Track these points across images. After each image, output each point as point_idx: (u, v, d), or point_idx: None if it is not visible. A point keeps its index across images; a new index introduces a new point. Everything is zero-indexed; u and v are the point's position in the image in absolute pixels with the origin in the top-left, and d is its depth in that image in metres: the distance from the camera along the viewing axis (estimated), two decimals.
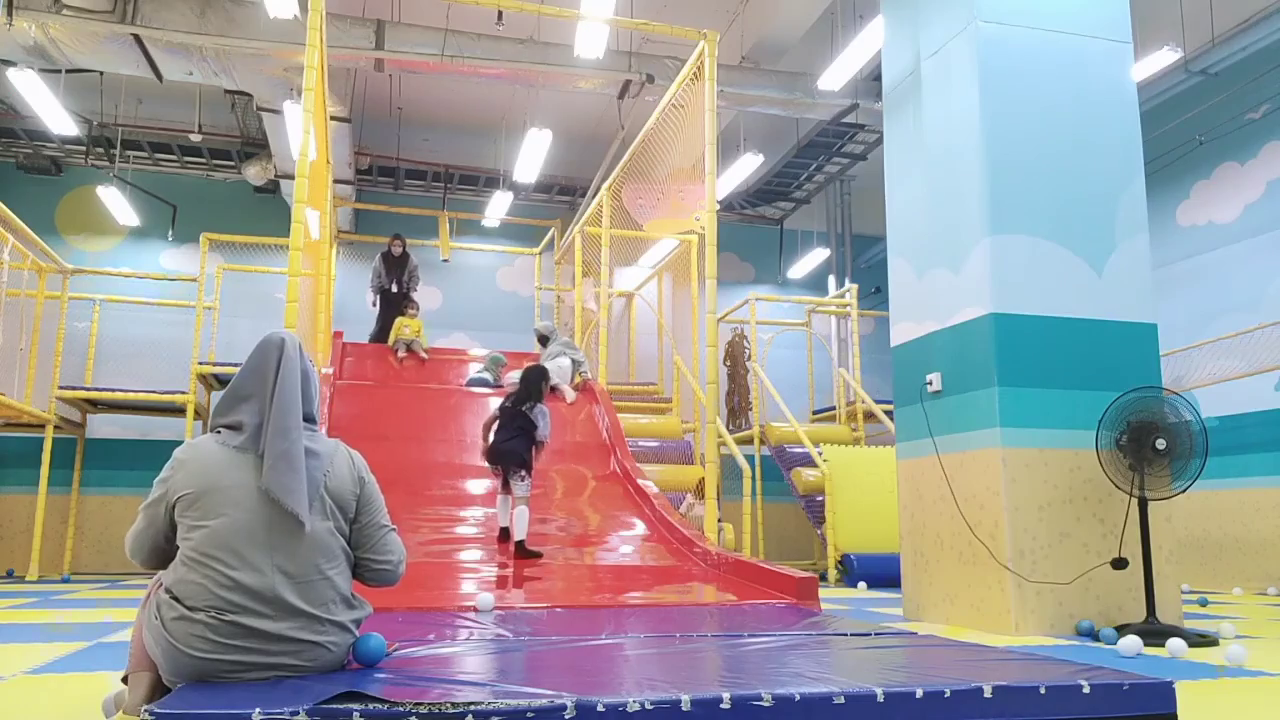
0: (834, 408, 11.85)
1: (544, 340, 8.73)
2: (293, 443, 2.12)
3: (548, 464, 6.47)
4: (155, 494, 2.15)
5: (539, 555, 5.21)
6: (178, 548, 2.12)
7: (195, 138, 11.63)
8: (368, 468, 2.32)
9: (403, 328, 9.71)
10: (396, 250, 10.53)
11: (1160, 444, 4.34)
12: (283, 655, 2.04)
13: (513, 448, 5.46)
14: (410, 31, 8.63)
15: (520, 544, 5.24)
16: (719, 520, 5.76)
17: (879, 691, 1.92)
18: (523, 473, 5.41)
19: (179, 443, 2.28)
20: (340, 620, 2.14)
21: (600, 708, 1.78)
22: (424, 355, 9.65)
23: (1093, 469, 4.60)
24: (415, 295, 10.33)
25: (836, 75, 8.91)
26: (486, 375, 8.70)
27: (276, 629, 2.03)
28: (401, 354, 9.54)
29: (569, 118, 11.73)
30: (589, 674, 2.34)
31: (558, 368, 7.79)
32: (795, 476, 9.72)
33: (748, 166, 11.22)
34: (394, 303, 10.22)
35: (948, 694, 1.95)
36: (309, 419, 2.24)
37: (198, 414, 10.04)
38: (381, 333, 10.16)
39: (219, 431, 2.23)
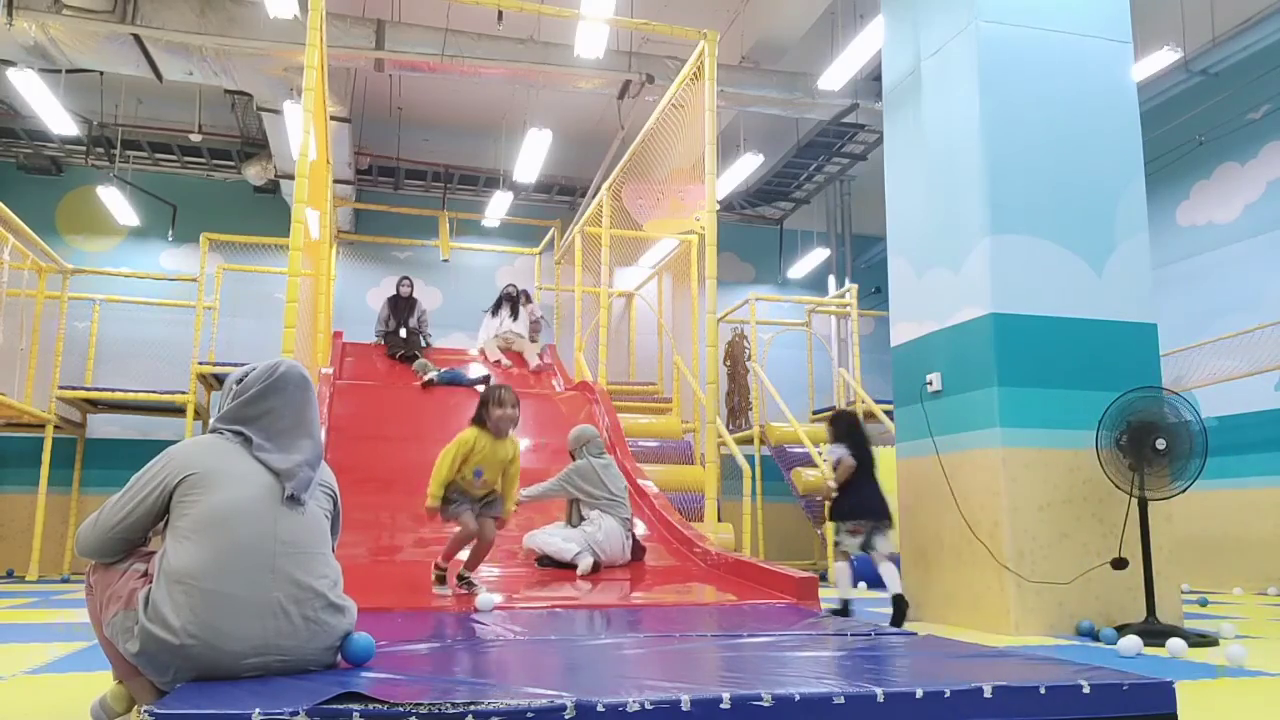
0: (834, 407, 11.84)
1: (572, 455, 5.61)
2: (303, 454, 2.29)
3: (549, 463, 6.47)
4: (151, 481, 2.16)
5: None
6: (144, 538, 2.22)
7: (195, 138, 11.63)
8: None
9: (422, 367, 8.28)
10: (405, 290, 10.35)
11: (1160, 444, 4.34)
12: (278, 636, 2.04)
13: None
14: (410, 31, 8.63)
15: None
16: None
17: (879, 691, 1.92)
18: None
19: (178, 442, 2.31)
20: (334, 601, 2.16)
21: (600, 708, 1.78)
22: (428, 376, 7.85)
23: (1092, 469, 4.59)
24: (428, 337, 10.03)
25: (836, 75, 8.91)
26: (434, 374, 8.06)
27: (272, 600, 2.04)
28: (428, 375, 7.88)
29: (569, 118, 11.73)
30: (589, 674, 2.34)
31: (609, 533, 5.13)
32: (795, 476, 9.72)
33: (748, 166, 11.22)
34: (402, 344, 9.80)
35: (948, 694, 1.95)
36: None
37: (198, 414, 10.04)
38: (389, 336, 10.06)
39: (220, 433, 2.29)
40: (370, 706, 1.73)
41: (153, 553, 2.19)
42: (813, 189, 13.38)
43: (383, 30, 8.51)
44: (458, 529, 4.30)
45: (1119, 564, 4.46)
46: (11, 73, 8.73)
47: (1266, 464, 8.67)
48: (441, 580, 4.22)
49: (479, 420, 4.22)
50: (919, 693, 1.93)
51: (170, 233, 12.28)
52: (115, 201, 11.30)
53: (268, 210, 12.40)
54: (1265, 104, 9.26)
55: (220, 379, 10.33)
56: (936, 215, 5.32)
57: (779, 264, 14.44)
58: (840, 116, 10.16)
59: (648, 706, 1.79)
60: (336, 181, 10.73)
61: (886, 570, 4.92)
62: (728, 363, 12.86)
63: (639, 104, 9.46)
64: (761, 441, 10.64)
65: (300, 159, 5.09)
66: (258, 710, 1.67)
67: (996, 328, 4.80)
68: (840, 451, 5.15)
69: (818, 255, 13.92)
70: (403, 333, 9.95)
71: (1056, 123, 5.09)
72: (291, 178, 10.07)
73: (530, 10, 6.27)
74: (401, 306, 10.23)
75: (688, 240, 10.30)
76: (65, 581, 9.07)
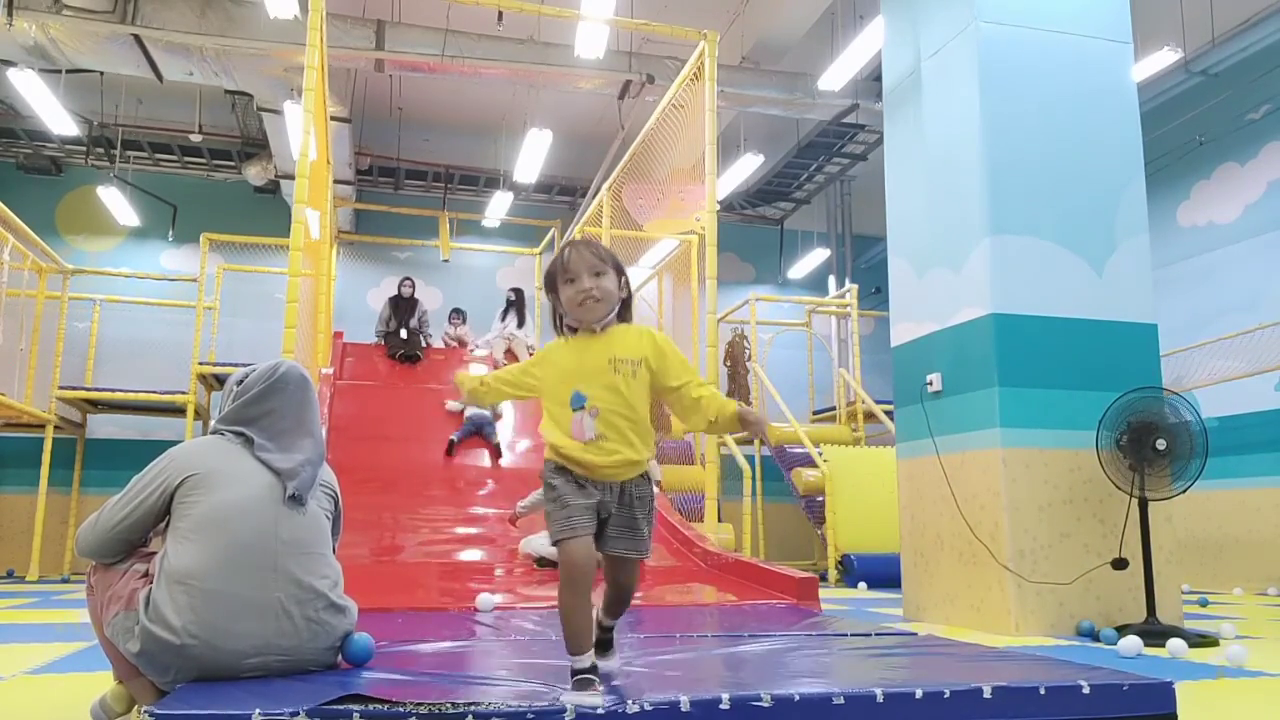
0: (834, 408, 11.85)
1: None
2: (304, 454, 2.30)
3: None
4: (152, 482, 2.16)
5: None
6: (144, 539, 2.21)
7: (195, 138, 11.64)
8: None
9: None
10: (407, 291, 10.33)
11: (1160, 444, 4.33)
12: (279, 636, 2.04)
13: None
14: (410, 31, 8.63)
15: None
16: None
17: (879, 692, 1.91)
18: None
19: (179, 443, 2.32)
20: (335, 601, 2.16)
21: (600, 709, 1.77)
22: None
23: (1093, 469, 4.59)
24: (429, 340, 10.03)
25: (836, 75, 8.91)
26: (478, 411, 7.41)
27: (273, 600, 2.04)
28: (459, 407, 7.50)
29: (569, 118, 11.73)
30: None
31: None
32: (795, 476, 9.71)
33: (748, 167, 11.22)
34: (403, 345, 9.78)
35: (947, 694, 1.94)
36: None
37: (198, 414, 10.04)
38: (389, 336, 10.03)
39: (221, 434, 2.29)
40: (370, 707, 1.73)
41: (153, 553, 2.19)
42: (813, 189, 13.38)
43: (383, 30, 8.51)
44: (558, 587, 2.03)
45: (1119, 564, 4.46)
46: (11, 73, 8.74)
47: (1267, 464, 8.67)
48: (586, 683, 1.88)
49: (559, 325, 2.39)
50: (919, 693, 1.93)
51: (170, 233, 12.29)
52: (115, 201, 11.31)
53: (268, 210, 12.41)
54: (1265, 104, 9.26)
55: (221, 379, 10.34)
56: (937, 215, 5.32)
57: (779, 264, 14.44)
58: (840, 117, 10.16)
59: (647, 707, 1.79)
60: (337, 182, 10.73)
61: None
62: (728, 363, 12.85)
63: (639, 104, 9.46)
64: (761, 442, 10.64)
65: (300, 159, 5.10)
66: (258, 711, 1.67)
67: (997, 328, 4.80)
68: None
69: (818, 255, 13.92)
70: (403, 333, 9.95)
71: (1057, 123, 5.09)
72: (291, 178, 10.07)
73: (530, 10, 6.27)
74: (403, 307, 10.23)
75: (688, 240, 10.29)
76: (65, 581, 9.07)
